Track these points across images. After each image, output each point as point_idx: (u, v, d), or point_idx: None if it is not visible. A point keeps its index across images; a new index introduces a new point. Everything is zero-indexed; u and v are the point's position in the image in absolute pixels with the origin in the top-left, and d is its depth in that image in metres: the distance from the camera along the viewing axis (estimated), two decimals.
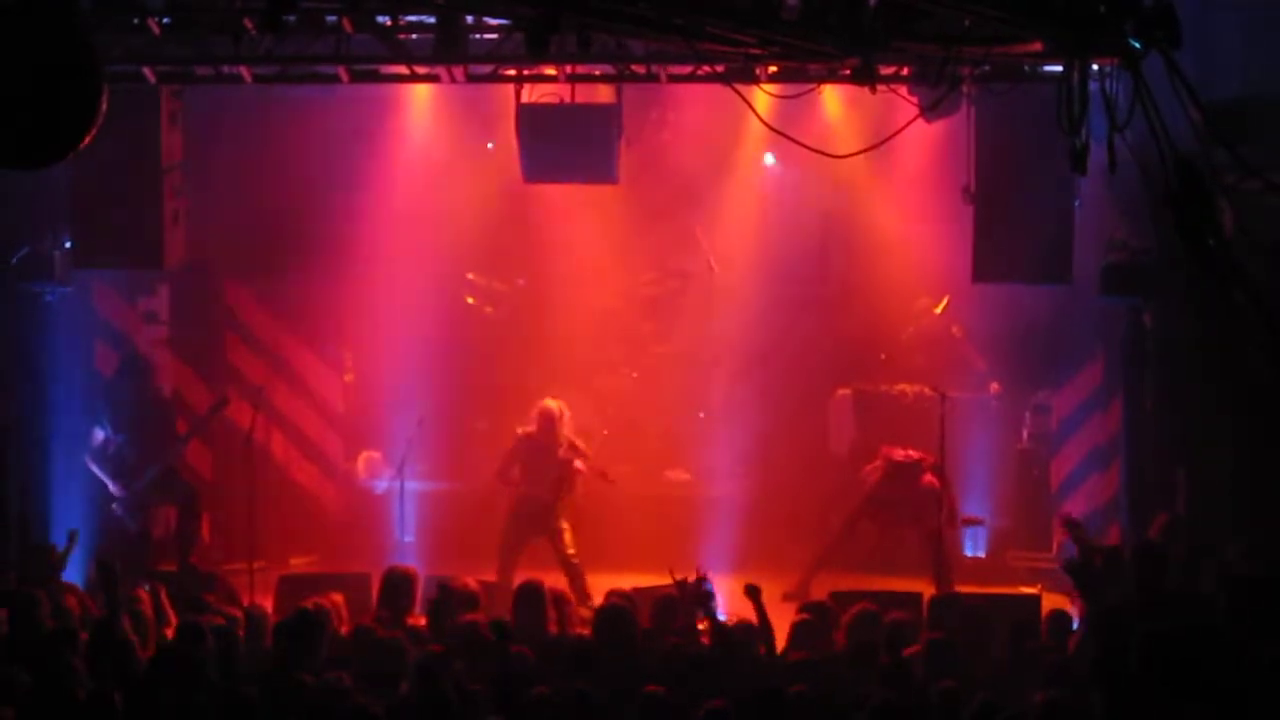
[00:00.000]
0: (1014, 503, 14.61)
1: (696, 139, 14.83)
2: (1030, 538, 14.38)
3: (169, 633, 9.77)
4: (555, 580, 11.63)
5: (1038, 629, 10.26)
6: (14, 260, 12.83)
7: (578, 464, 13.27)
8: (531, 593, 10.40)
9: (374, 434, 15.22)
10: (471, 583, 10.98)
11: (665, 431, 15.46)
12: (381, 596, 10.75)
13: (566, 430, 13.40)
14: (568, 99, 12.02)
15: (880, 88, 9.92)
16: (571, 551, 13.15)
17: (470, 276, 15.86)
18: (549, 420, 13.31)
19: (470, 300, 15.76)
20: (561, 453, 13.26)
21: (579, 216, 15.12)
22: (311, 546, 14.70)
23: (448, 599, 9.93)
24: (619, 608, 9.87)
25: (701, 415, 15.62)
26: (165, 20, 10.63)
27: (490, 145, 14.42)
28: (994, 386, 14.78)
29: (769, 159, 15.28)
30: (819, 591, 11.97)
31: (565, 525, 13.19)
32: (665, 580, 10.53)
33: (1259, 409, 11.33)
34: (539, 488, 13.21)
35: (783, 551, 13.88)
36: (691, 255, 15.69)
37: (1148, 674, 8.13)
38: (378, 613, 10.57)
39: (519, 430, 13.48)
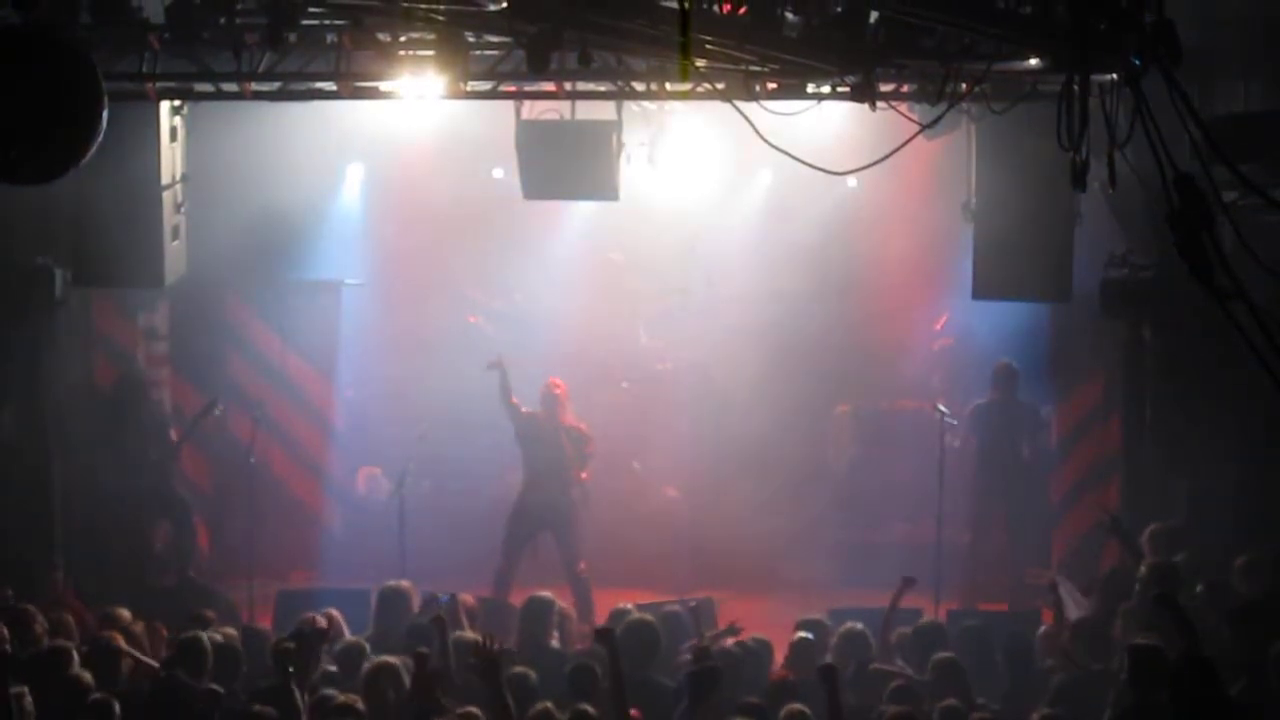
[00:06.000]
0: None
1: (695, 154, 14.81)
2: (1029, 553, 14.34)
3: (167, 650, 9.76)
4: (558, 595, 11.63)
5: (1036, 646, 10.25)
6: (14, 276, 12.81)
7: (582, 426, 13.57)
8: (539, 607, 10.39)
9: (374, 449, 15.20)
10: (469, 599, 10.98)
11: (664, 448, 15.42)
12: (378, 613, 10.74)
13: (569, 413, 13.56)
14: (568, 116, 12.01)
15: (880, 104, 9.92)
16: (581, 566, 13.17)
17: (472, 293, 15.85)
18: (552, 400, 13.43)
19: (472, 319, 15.77)
20: (563, 420, 13.46)
21: (577, 232, 15.13)
22: (311, 562, 14.67)
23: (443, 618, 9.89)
24: (644, 622, 9.71)
25: (701, 431, 15.58)
26: (165, 36, 10.61)
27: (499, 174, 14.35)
28: None
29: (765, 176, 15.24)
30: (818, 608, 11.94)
31: (577, 533, 13.30)
32: (665, 598, 10.52)
33: (1259, 424, 11.31)
34: (540, 478, 13.29)
35: (780, 569, 13.87)
36: (690, 271, 15.68)
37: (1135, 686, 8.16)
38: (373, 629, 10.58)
39: (524, 410, 13.54)
